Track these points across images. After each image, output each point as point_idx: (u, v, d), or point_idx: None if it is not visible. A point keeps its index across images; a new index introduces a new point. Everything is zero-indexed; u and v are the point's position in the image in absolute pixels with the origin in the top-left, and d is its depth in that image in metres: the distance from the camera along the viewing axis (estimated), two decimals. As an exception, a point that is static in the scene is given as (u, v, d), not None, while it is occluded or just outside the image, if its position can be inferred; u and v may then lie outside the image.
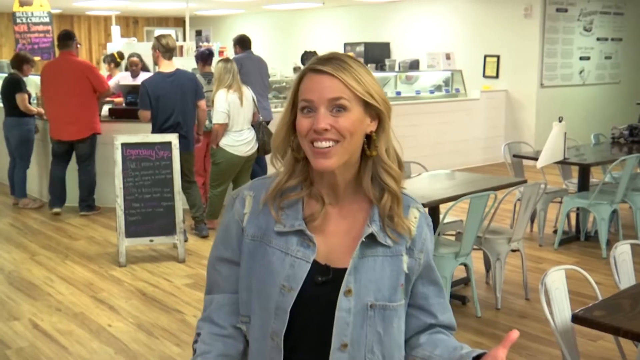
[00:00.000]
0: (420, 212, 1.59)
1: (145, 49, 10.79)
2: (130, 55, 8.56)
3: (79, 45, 7.49)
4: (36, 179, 8.29)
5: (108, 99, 8.03)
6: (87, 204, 7.40)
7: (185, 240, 6.11)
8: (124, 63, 9.59)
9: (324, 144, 1.44)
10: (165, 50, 6.20)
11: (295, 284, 1.49)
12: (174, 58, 6.35)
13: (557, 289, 2.74)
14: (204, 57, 7.45)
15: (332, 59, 1.48)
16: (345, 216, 1.54)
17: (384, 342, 1.52)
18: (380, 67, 11.95)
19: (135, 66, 8.35)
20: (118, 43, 12.18)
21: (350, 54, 10.28)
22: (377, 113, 1.50)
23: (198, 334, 1.62)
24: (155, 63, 6.58)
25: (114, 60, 9.63)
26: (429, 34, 12.10)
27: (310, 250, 1.51)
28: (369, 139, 1.51)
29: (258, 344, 1.55)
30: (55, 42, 7.69)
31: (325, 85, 1.45)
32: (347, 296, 1.48)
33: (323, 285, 1.50)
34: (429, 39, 12.01)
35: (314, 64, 1.48)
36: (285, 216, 1.53)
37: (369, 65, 12.07)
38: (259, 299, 1.53)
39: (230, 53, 9.94)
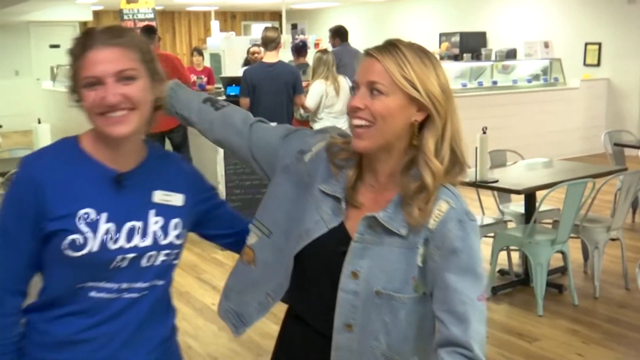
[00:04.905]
0: (450, 206, 1.47)
1: (243, 43, 11.17)
2: (252, 45, 8.74)
3: (160, 39, 7.83)
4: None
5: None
6: None
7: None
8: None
9: (357, 121, 1.47)
10: (264, 42, 6.46)
11: (308, 238, 1.54)
12: (280, 51, 6.56)
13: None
14: (298, 49, 7.68)
15: (386, 44, 1.50)
16: (378, 201, 1.53)
17: (390, 332, 1.50)
18: (476, 56, 11.82)
19: (256, 55, 8.42)
20: (217, 37, 12.58)
21: (445, 44, 10.11)
22: (422, 105, 1.47)
23: None
24: None
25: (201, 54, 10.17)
26: (526, 22, 11.87)
27: (336, 219, 1.53)
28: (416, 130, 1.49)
29: (268, 262, 1.64)
30: None
31: (368, 67, 1.48)
32: (354, 279, 1.49)
33: (344, 255, 1.51)
34: (526, 27, 11.78)
35: (367, 48, 1.52)
36: (334, 181, 1.56)
37: (464, 54, 11.98)
38: (287, 233, 1.61)
39: (325, 46, 10.11)
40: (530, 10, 11.84)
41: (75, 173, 1.52)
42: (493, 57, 11.37)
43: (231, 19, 18.06)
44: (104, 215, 1.51)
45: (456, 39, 12.72)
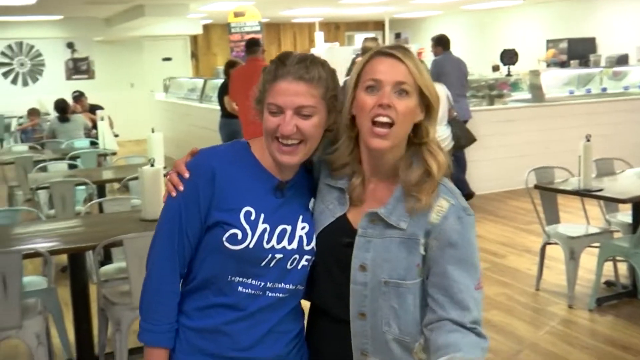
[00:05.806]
0: (451, 204, 1.59)
1: (346, 53, 11.31)
2: (358, 55, 8.86)
3: (264, 51, 7.95)
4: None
5: None
6: None
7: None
8: None
9: (384, 119, 1.55)
10: (364, 52, 6.64)
11: (316, 228, 1.69)
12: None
13: None
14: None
15: (399, 47, 1.60)
16: (378, 196, 1.65)
17: (399, 317, 1.60)
18: (585, 63, 11.49)
19: None
20: (321, 48, 12.80)
21: (551, 51, 9.79)
22: (426, 104, 1.60)
23: None
24: None
25: None
26: (639, 26, 11.43)
27: (341, 208, 1.66)
28: (415, 128, 1.62)
29: None
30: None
31: (394, 68, 1.56)
32: (362, 271, 1.61)
33: (348, 247, 1.63)
34: (639, 32, 11.35)
35: (383, 48, 1.59)
36: (336, 177, 1.69)
37: (571, 61, 11.69)
38: None
39: (427, 54, 10.11)
40: (643, 14, 11.40)
41: (245, 173, 1.67)
42: (602, 63, 11.01)
43: (335, 30, 18.32)
44: (262, 216, 1.64)
45: (564, 45, 12.41)
